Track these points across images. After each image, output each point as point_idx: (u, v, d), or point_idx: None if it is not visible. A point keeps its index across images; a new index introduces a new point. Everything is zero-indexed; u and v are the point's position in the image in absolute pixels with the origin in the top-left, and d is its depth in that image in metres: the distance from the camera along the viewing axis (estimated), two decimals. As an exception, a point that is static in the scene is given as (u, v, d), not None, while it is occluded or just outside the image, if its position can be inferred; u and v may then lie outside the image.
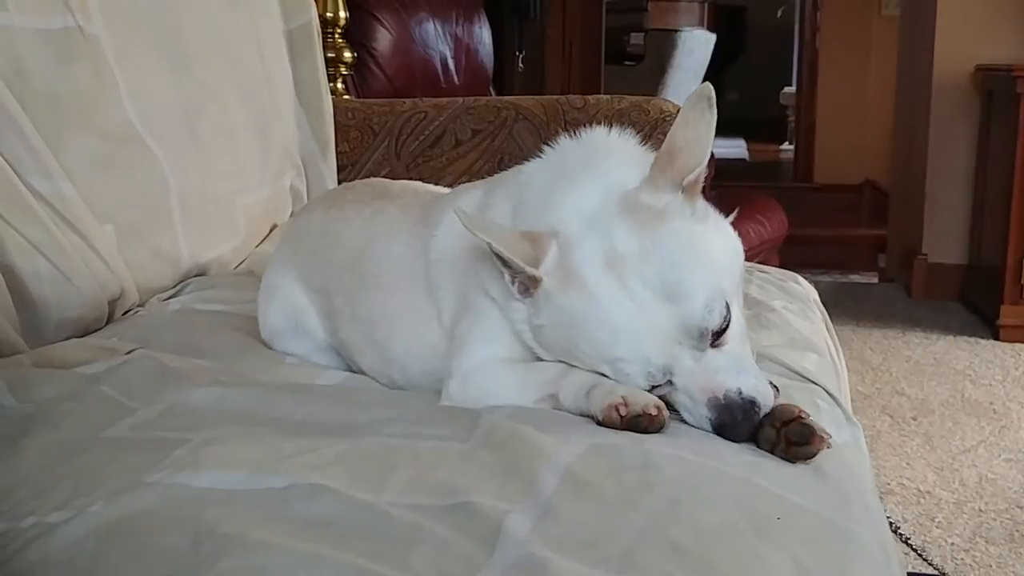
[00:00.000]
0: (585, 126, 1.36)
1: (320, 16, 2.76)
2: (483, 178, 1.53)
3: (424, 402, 1.34)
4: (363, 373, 1.55)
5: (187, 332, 1.69)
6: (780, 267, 2.36)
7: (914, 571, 2.38)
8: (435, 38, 4.00)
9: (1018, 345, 4.19)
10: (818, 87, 8.39)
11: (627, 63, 8.51)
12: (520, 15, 6.08)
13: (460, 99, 2.70)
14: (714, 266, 1.20)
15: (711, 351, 1.18)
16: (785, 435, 1.14)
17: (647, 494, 1.02)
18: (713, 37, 8.71)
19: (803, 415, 1.16)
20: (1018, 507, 2.76)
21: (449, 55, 4.08)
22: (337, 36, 3.11)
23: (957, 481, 2.93)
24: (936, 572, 2.40)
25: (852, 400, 1.98)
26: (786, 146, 10.06)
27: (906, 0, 5.81)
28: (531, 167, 1.36)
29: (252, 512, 0.96)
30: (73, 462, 1.09)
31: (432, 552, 0.90)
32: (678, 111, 2.45)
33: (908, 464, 3.05)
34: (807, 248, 5.37)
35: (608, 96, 2.51)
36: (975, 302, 4.69)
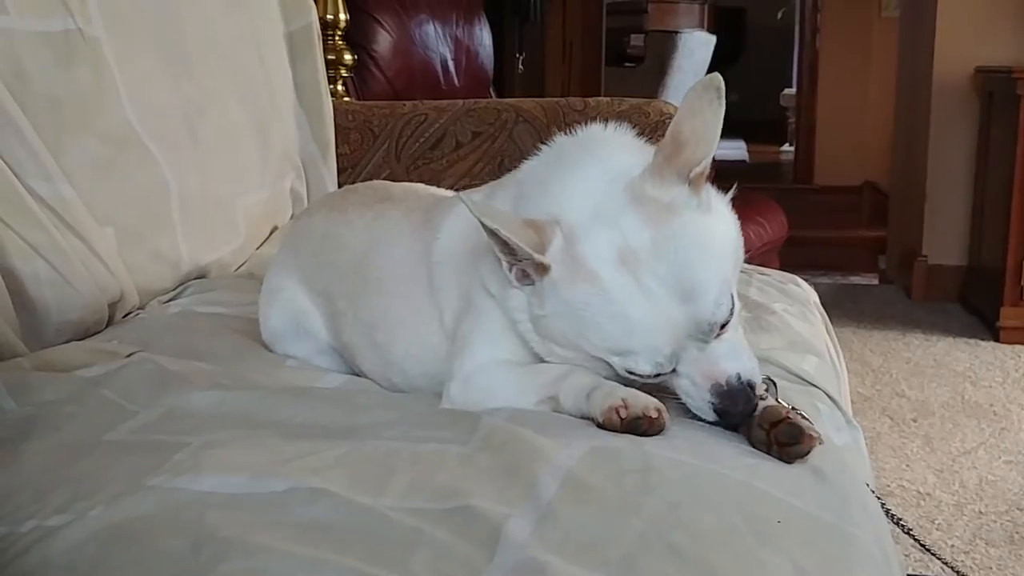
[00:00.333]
0: (583, 125, 1.36)
1: (320, 18, 2.76)
2: (483, 180, 1.54)
3: (424, 405, 1.34)
4: (364, 376, 1.55)
5: (187, 335, 1.69)
6: (780, 268, 2.37)
7: (914, 573, 2.38)
8: (435, 40, 4.01)
9: (1018, 347, 4.19)
10: (818, 88, 8.40)
11: (627, 65, 8.51)
12: (520, 17, 6.09)
13: (460, 101, 2.70)
14: (721, 258, 1.22)
15: (713, 342, 1.20)
16: (775, 437, 1.15)
17: (647, 497, 1.02)
18: (713, 39, 8.70)
19: (790, 415, 1.16)
20: (1018, 509, 2.76)
21: (449, 57, 4.09)
22: (337, 38, 3.11)
23: (957, 483, 2.93)
24: (941, 569, 2.40)
25: (852, 402, 1.99)
26: (786, 147, 10.06)
27: (906, 2, 5.81)
28: (528, 163, 1.36)
29: (252, 516, 0.96)
30: (73, 466, 1.09)
31: (432, 556, 0.90)
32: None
33: (908, 466, 3.05)
34: (807, 249, 5.37)
35: (608, 98, 2.51)
36: (975, 304, 4.69)
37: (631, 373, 1.20)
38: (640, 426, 1.16)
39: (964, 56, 4.76)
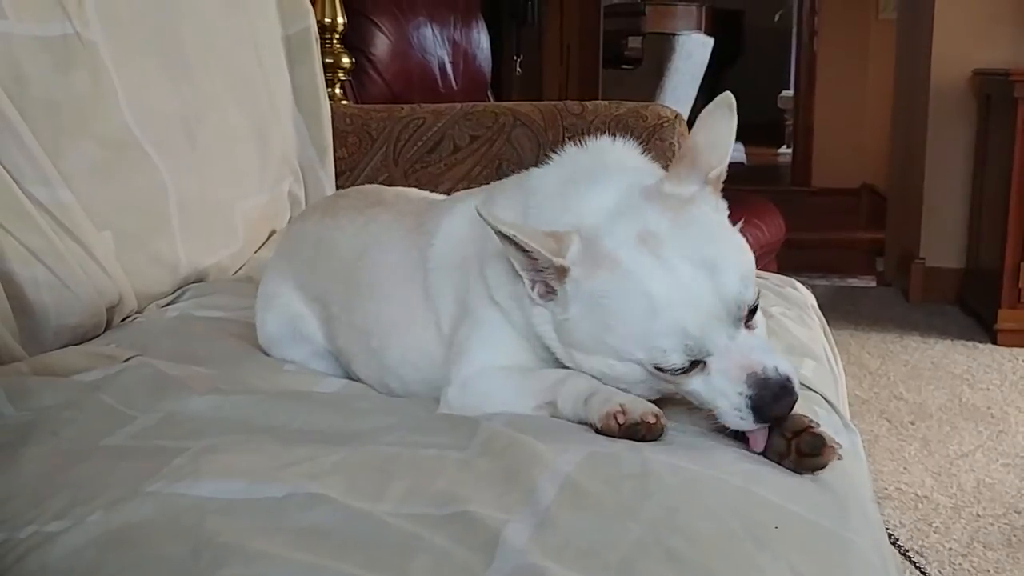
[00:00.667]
0: (587, 134, 1.37)
1: (318, 21, 2.76)
2: (481, 184, 1.54)
3: (422, 410, 1.34)
4: (361, 381, 1.55)
5: (186, 339, 1.69)
6: (778, 271, 2.37)
7: (912, 577, 2.38)
8: (433, 43, 4.01)
9: (1016, 349, 4.19)
10: (816, 91, 8.40)
11: (625, 67, 8.51)
12: (518, 20, 6.09)
13: (458, 105, 2.70)
14: (741, 249, 1.23)
15: (744, 331, 1.17)
16: (797, 446, 1.13)
17: (645, 502, 1.02)
18: (711, 41, 8.71)
19: (813, 425, 1.15)
20: (1016, 512, 2.76)
21: (447, 60, 4.09)
22: (335, 41, 3.11)
23: (955, 486, 2.93)
24: (938, 573, 2.40)
25: (850, 405, 1.99)
26: (784, 150, 10.07)
27: (904, 4, 5.82)
28: (539, 172, 1.36)
29: (251, 521, 0.96)
30: (72, 471, 1.09)
31: (431, 561, 0.90)
32: (676, 116, 2.47)
33: (906, 469, 3.05)
34: (805, 252, 5.37)
35: (606, 102, 2.51)
36: (973, 306, 4.69)
37: (661, 370, 1.17)
38: (638, 431, 1.16)
39: (962, 58, 4.76)
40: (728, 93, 1.27)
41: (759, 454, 1.17)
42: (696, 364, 1.16)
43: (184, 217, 2.00)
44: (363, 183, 2.57)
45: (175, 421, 1.25)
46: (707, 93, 9.89)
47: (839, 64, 8.04)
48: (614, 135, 1.37)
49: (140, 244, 1.91)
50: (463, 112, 2.63)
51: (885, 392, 3.73)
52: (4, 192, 1.61)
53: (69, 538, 0.95)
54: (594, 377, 1.24)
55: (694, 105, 7.91)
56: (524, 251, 1.20)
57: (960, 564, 2.49)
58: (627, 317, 1.17)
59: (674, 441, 1.17)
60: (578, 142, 1.35)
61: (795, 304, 1.92)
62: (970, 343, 4.32)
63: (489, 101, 3.61)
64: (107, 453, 1.15)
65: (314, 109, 2.60)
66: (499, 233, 1.19)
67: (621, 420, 1.16)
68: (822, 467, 1.14)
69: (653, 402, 1.21)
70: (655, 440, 1.16)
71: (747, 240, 1.27)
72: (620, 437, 1.16)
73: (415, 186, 2.07)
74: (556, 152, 1.36)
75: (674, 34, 8.46)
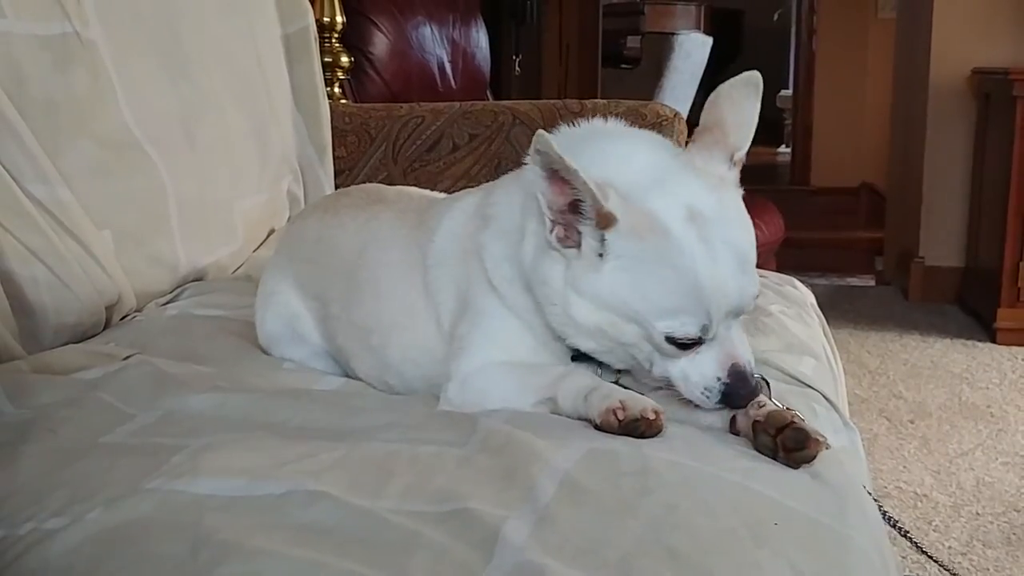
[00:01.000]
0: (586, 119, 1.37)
1: (317, 20, 2.76)
2: (480, 183, 1.54)
3: (422, 407, 1.34)
4: (359, 379, 1.55)
5: (185, 337, 1.69)
6: (777, 271, 2.37)
7: (911, 575, 2.38)
8: (432, 42, 4.01)
9: (1015, 348, 4.19)
10: (815, 90, 8.40)
11: (624, 67, 8.50)
12: (517, 19, 6.09)
13: (457, 104, 2.70)
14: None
15: (734, 324, 1.23)
16: (782, 442, 1.15)
17: (645, 499, 1.02)
18: (710, 40, 8.70)
19: (796, 420, 1.17)
20: (1015, 510, 2.76)
21: (446, 59, 4.09)
22: (334, 41, 3.11)
23: (954, 484, 2.93)
24: (938, 572, 2.40)
25: (849, 404, 1.99)
26: (782, 149, 10.07)
27: (903, 3, 5.81)
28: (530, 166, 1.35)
29: (250, 519, 0.96)
30: (71, 468, 1.09)
31: (430, 558, 0.90)
32: (675, 115, 2.47)
33: (905, 467, 3.05)
34: (804, 251, 5.37)
35: (605, 100, 2.51)
36: (972, 305, 4.69)
37: (670, 341, 1.19)
38: (638, 428, 1.16)
39: (961, 57, 4.76)
40: (756, 72, 1.30)
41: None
42: (698, 344, 1.20)
43: (183, 216, 2.00)
44: (362, 182, 2.57)
45: (174, 419, 1.25)
46: (706, 92, 9.88)
47: (838, 63, 8.04)
48: (606, 117, 1.37)
49: (139, 243, 1.91)
50: (462, 111, 2.63)
51: (884, 391, 3.73)
52: (3, 191, 1.61)
53: (68, 535, 0.95)
54: (583, 331, 1.24)
55: (693, 104, 7.90)
56: (564, 189, 1.18)
57: (960, 562, 2.49)
58: (665, 286, 1.19)
59: (674, 438, 1.17)
60: (570, 123, 1.36)
61: (794, 302, 1.92)
62: (969, 342, 4.32)
63: (488, 100, 3.61)
64: (106, 451, 1.15)
65: (313, 108, 2.60)
66: (547, 162, 1.17)
67: (621, 416, 1.17)
68: (811, 459, 1.15)
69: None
70: (655, 436, 1.16)
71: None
72: (620, 433, 1.16)
73: (414, 185, 2.07)
74: (527, 153, 1.35)
75: (673, 33, 8.46)
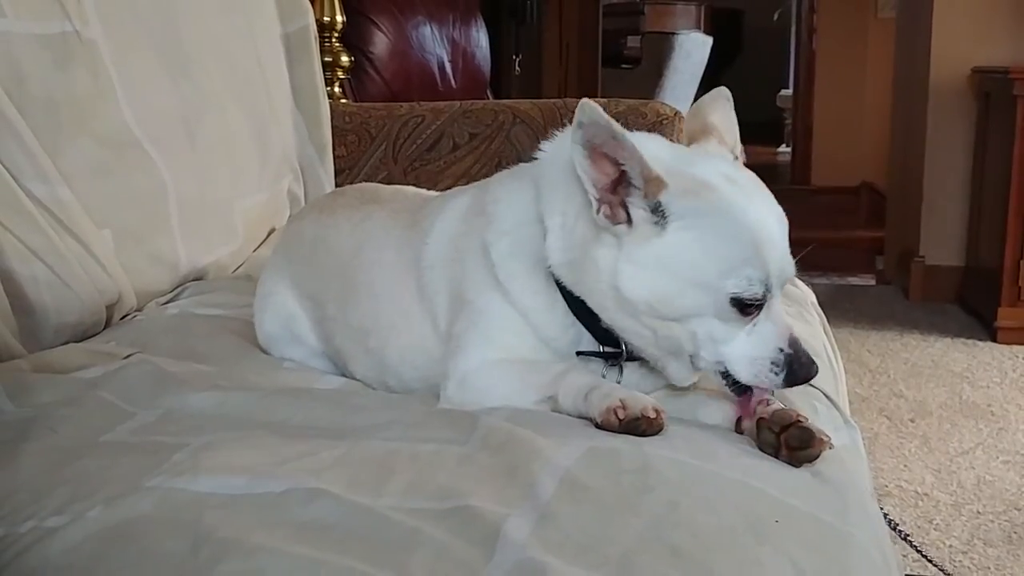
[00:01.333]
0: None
1: (317, 20, 2.76)
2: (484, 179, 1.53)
3: (422, 405, 1.34)
4: (357, 380, 1.54)
5: (185, 336, 1.69)
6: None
7: (912, 573, 2.38)
8: (432, 42, 4.01)
9: (1016, 347, 4.18)
10: (815, 89, 8.40)
11: (624, 66, 8.50)
12: (517, 19, 6.09)
13: (457, 103, 2.70)
14: None
15: (777, 298, 1.23)
16: (785, 440, 1.15)
17: (646, 497, 1.02)
18: (710, 40, 8.70)
19: (800, 418, 1.17)
20: (1016, 509, 2.76)
21: (446, 59, 4.09)
22: (334, 40, 3.11)
23: (955, 483, 2.93)
24: (937, 571, 2.40)
25: (850, 403, 1.99)
26: (783, 148, 10.07)
27: (903, 2, 5.81)
28: (543, 156, 1.36)
29: (251, 516, 0.96)
30: (72, 467, 1.09)
31: (431, 556, 0.90)
32: (675, 114, 2.46)
33: (906, 466, 3.05)
34: (804, 250, 5.35)
35: (605, 99, 2.51)
36: (973, 304, 4.68)
37: (736, 303, 1.18)
38: (639, 426, 1.16)
39: (961, 57, 4.76)
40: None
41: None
42: (760, 308, 1.20)
43: (183, 215, 2.00)
44: (362, 181, 2.57)
45: (175, 417, 1.25)
46: (706, 92, 9.88)
47: (838, 63, 8.04)
48: None
49: (140, 242, 1.91)
50: (462, 110, 2.62)
51: (885, 390, 3.73)
52: (3, 190, 1.61)
53: (69, 533, 0.95)
54: (633, 309, 1.22)
55: (693, 104, 7.90)
56: (605, 166, 1.19)
57: (960, 561, 2.49)
58: (730, 238, 1.19)
59: (674, 436, 1.17)
60: (551, 137, 1.37)
61: (795, 301, 1.92)
62: (970, 341, 4.32)
63: (488, 100, 3.61)
64: (107, 449, 1.15)
65: (313, 108, 2.60)
66: (591, 134, 1.17)
67: (621, 415, 1.17)
68: (814, 458, 1.15)
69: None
70: (655, 435, 1.16)
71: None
72: (620, 432, 1.16)
73: (414, 184, 2.07)
74: (540, 148, 1.36)
75: (673, 33, 8.45)
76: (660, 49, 8.27)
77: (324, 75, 2.72)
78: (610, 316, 1.25)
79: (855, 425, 1.46)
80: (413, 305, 1.44)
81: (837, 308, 4.70)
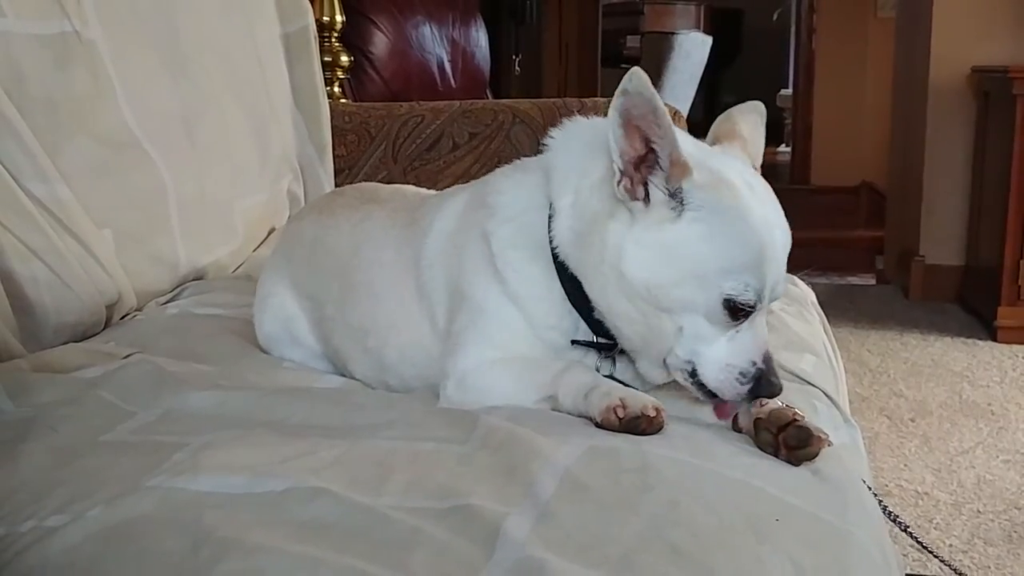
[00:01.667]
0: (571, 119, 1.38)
1: (317, 20, 2.76)
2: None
3: (422, 404, 1.34)
4: (356, 380, 1.54)
5: (185, 336, 1.69)
6: (777, 269, 2.36)
7: (912, 572, 2.38)
8: (432, 42, 4.01)
9: (1016, 346, 4.18)
10: (814, 89, 8.40)
11: (624, 66, 8.47)
12: (517, 19, 6.09)
13: (457, 102, 2.70)
14: None
15: (761, 315, 1.24)
16: (783, 440, 1.15)
17: (646, 496, 1.02)
18: (710, 40, 8.69)
19: (797, 417, 1.17)
20: (1016, 508, 2.76)
21: (446, 59, 4.09)
22: (334, 40, 3.11)
23: (955, 482, 2.93)
24: (939, 568, 2.40)
25: (850, 402, 1.99)
26: (782, 148, 10.07)
27: (902, 2, 5.81)
28: (553, 147, 1.36)
29: (251, 515, 0.96)
30: (72, 466, 1.09)
31: (431, 554, 0.90)
32: (675, 113, 2.46)
33: (906, 466, 3.05)
34: (804, 250, 5.33)
35: (605, 99, 2.51)
36: (972, 303, 4.69)
37: (728, 305, 1.19)
38: (639, 425, 1.16)
39: (960, 56, 4.76)
40: (759, 102, 1.39)
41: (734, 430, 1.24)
42: (747, 316, 1.21)
43: (183, 215, 2.00)
44: (362, 181, 2.57)
45: (174, 417, 1.25)
46: (706, 92, 9.88)
47: (838, 62, 8.04)
48: (588, 116, 1.39)
49: (139, 242, 1.90)
50: (462, 110, 2.62)
51: (885, 389, 3.73)
52: (3, 190, 1.61)
53: (69, 533, 0.95)
54: (628, 292, 1.22)
55: (693, 104, 7.90)
56: (636, 142, 1.19)
57: (961, 560, 2.49)
58: (737, 241, 1.20)
59: (674, 435, 1.17)
60: (587, 115, 1.38)
61: (795, 300, 1.92)
62: (970, 340, 4.32)
63: (488, 99, 3.61)
64: (106, 449, 1.15)
65: (313, 107, 2.60)
66: (632, 103, 1.17)
67: (621, 414, 1.17)
68: (813, 457, 1.15)
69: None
70: (655, 434, 1.16)
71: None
72: (621, 431, 1.16)
73: (414, 184, 2.07)
74: (549, 135, 1.36)
75: (673, 33, 8.44)
76: (660, 49, 8.26)
77: (324, 75, 2.72)
78: (605, 298, 1.25)
79: (855, 424, 1.46)
80: (412, 304, 1.44)
81: (837, 307, 4.70)
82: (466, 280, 1.35)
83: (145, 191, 1.93)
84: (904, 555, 2.40)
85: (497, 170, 1.44)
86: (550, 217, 1.30)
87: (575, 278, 1.28)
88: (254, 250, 2.28)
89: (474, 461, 1.08)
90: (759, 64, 11.24)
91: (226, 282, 2.07)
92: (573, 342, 1.31)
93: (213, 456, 1.08)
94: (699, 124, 1.36)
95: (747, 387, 1.21)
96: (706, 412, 1.28)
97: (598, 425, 1.19)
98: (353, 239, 1.56)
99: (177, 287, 2.00)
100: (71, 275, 1.68)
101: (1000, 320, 4.29)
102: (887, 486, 2.89)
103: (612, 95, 1.19)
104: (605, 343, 1.30)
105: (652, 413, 1.17)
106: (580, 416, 1.22)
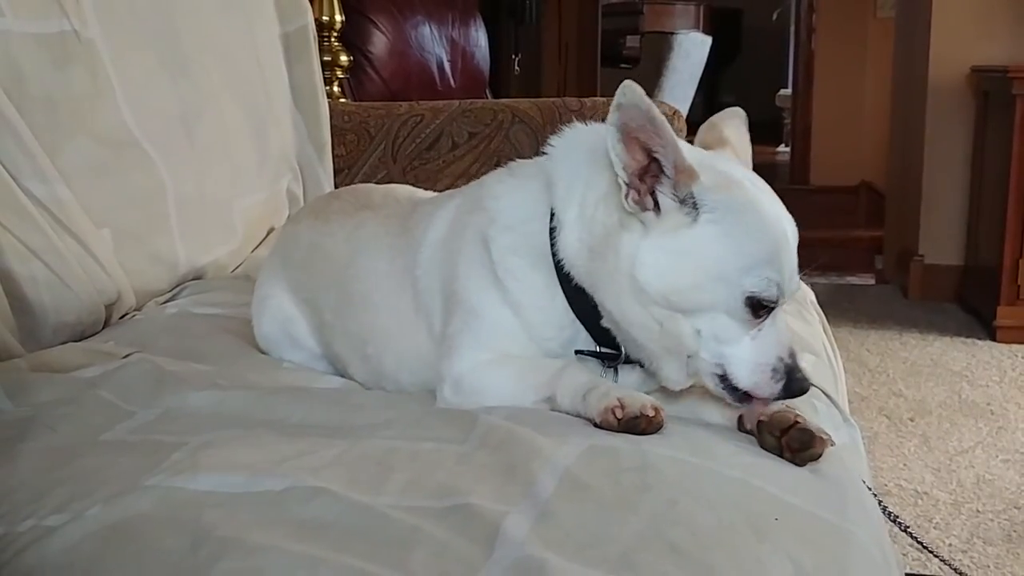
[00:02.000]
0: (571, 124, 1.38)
1: (316, 20, 2.76)
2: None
3: (422, 404, 1.34)
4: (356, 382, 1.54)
5: (184, 336, 1.69)
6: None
7: (912, 572, 2.38)
8: (431, 41, 4.01)
9: (1015, 346, 4.19)
10: (814, 89, 8.40)
11: (623, 66, 8.49)
12: (516, 18, 6.08)
13: (456, 102, 2.70)
14: None
15: (782, 311, 1.25)
16: (787, 443, 1.15)
17: (645, 495, 1.02)
18: (709, 39, 8.70)
19: (799, 419, 1.17)
20: (1015, 507, 2.76)
21: (445, 58, 4.09)
22: (333, 39, 3.11)
23: (954, 482, 2.93)
24: (939, 568, 2.40)
25: (849, 401, 1.99)
26: (782, 148, 10.07)
27: (902, 2, 5.82)
28: (554, 156, 1.35)
29: (250, 515, 0.96)
30: (71, 466, 1.09)
31: (431, 554, 0.90)
32: (675, 113, 2.46)
33: (906, 465, 3.05)
34: (804, 250, 5.33)
35: (604, 98, 2.51)
36: (972, 303, 4.69)
37: (751, 302, 1.19)
38: (638, 425, 1.16)
39: (960, 56, 4.76)
40: (738, 108, 1.41)
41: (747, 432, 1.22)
42: (769, 312, 1.20)
43: (182, 214, 2.00)
44: (361, 180, 2.57)
45: (174, 416, 1.25)
46: (705, 92, 9.88)
47: (837, 62, 8.04)
48: (586, 122, 1.38)
49: (139, 241, 1.90)
50: (461, 109, 2.62)
51: (884, 389, 3.73)
52: (2, 189, 1.61)
53: (68, 532, 0.95)
54: (646, 300, 1.21)
55: (693, 104, 7.91)
56: (637, 153, 1.19)
57: (960, 560, 2.49)
58: (754, 236, 1.20)
59: (674, 434, 1.17)
60: (584, 121, 1.37)
61: (794, 300, 1.92)
62: (969, 340, 4.32)
63: (488, 99, 3.61)
64: (106, 448, 1.15)
65: (312, 107, 2.60)
66: (629, 116, 1.17)
67: (620, 415, 1.16)
68: (816, 458, 1.15)
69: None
70: (655, 433, 1.16)
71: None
72: (620, 431, 1.16)
73: (413, 183, 2.07)
74: (551, 143, 1.35)
75: (672, 33, 8.45)
76: (659, 49, 8.27)
77: (323, 74, 2.72)
78: (619, 307, 1.24)
79: (855, 424, 1.46)
80: (408, 312, 1.44)
81: (836, 307, 4.70)
82: (461, 284, 1.35)
83: (144, 191, 1.93)
84: (904, 554, 2.40)
85: (491, 173, 1.44)
86: (552, 227, 1.29)
87: (579, 288, 1.27)
88: (253, 250, 2.28)
89: (473, 460, 1.08)
90: (758, 64, 11.25)
91: (225, 282, 2.07)
92: (577, 352, 1.31)
93: (212, 455, 1.08)
94: (699, 124, 1.36)
95: (780, 384, 1.20)
96: (705, 412, 1.28)
97: (597, 426, 1.18)
98: (348, 247, 1.56)
99: (176, 287, 2.00)
100: (70, 275, 1.68)
101: (999, 320, 4.29)
102: (886, 486, 2.89)
103: (612, 95, 1.19)
104: (608, 352, 1.30)
105: (651, 413, 1.17)
106: (578, 417, 1.22)
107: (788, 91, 9.64)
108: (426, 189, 1.80)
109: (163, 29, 2.08)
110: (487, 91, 4.45)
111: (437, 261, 1.40)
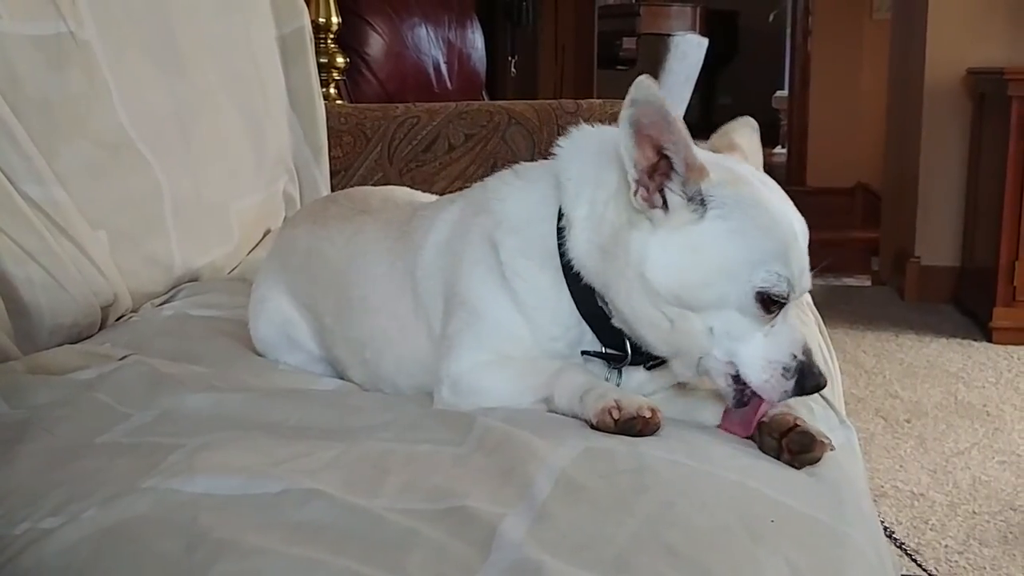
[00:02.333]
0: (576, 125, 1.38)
1: (313, 21, 2.76)
2: (476, 183, 1.53)
3: (418, 406, 1.34)
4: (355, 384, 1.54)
5: (180, 338, 1.68)
6: (773, 270, 2.36)
7: (908, 574, 2.38)
8: (428, 43, 4.01)
9: (1011, 347, 4.19)
10: (810, 91, 8.42)
11: (620, 68, 8.50)
12: (512, 20, 6.08)
13: (453, 104, 2.70)
14: None
15: (794, 307, 1.24)
16: (787, 446, 1.15)
17: (641, 497, 1.02)
18: (706, 41, 8.70)
19: (800, 422, 1.17)
20: (1011, 509, 2.76)
21: (442, 60, 4.09)
22: (330, 41, 3.11)
23: (950, 483, 2.93)
24: (935, 569, 2.40)
25: (845, 403, 1.99)
26: (778, 150, 10.08)
27: (898, 3, 5.82)
28: (562, 156, 1.34)
29: (246, 517, 0.96)
30: (67, 468, 1.09)
31: (427, 556, 0.90)
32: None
33: (902, 467, 3.05)
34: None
35: (600, 100, 2.51)
36: (968, 304, 4.69)
37: (761, 298, 1.18)
38: (634, 426, 1.16)
39: (956, 57, 4.77)
40: (750, 118, 1.41)
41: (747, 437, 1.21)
42: (780, 308, 1.20)
43: (179, 216, 2.00)
44: (358, 182, 2.57)
45: (170, 418, 1.25)
46: (702, 94, 9.89)
47: (833, 64, 8.05)
48: (592, 124, 1.38)
49: (135, 243, 1.90)
50: (458, 111, 2.63)
51: (881, 390, 3.74)
52: (-2, 191, 1.61)
53: (64, 534, 0.95)
54: (657, 300, 1.21)
55: (689, 106, 7.91)
56: (647, 150, 1.19)
57: (956, 561, 2.49)
58: (764, 231, 1.20)
59: (670, 436, 1.17)
60: (591, 124, 1.38)
61: (791, 301, 1.92)
62: (965, 341, 4.32)
63: (484, 101, 3.61)
64: (102, 450, 1.15)
65: (309, 109, 2.60)
66: (641, 113, 1.18)
67: (616, 416, 1.17)
68: (816, 461, 1.16)
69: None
70: (651, 435, 1.16)
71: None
72: (616, 433, 1.16)
73: (410, 185, 2.07)
74: (559, 143, 1.35)
75: (668, 35, 8.44)
76: (656, 51, 8.26)
77: (320, 76, 2.72)
78: (630, 306, 1.24)
79: (851, 425, 1.46)
80: (408, 316, 1.44)
81: (833, 309, 4.70)
82: (464, 284, 1.35)
83: (140, 192, 1.93)
84: (899, 556, 2.40)
85: (494, 176, 1.44)
86: (561, 228, 1.29)
87: (587, 288, 1.28)
88: (249, 252, 2.28)
89: (470, 463, 1.08)
90: (755, 66, 11.26)
91: (221, 283, 2.07)
92: (583, 353, 1.31)
93: (209, 457, 1.08)
94: (695, 126, 1.35)
95: (791, 383, 1.19)
96: (702, 414, 1.28)
97: (593, 427, 1.18)
98: (347, 252, 1.56)
99: (172, 288, 2.00)
100: (66, 277, 1.68)
101: (995, 321, 4.29)
102: (883, 487, 2.89)
103: (608, 97, 1.20)
104: (613, 354, 1.30)
105: (647, 414, 1.17)
106: (575, 418, 1.22)
107: (784, 93, 9.65)
108: (423, 191, 1.79)
109: (159, 31, 2.08)
110: (483, 93, 4.45)
111: (439, 263, 1.40)
